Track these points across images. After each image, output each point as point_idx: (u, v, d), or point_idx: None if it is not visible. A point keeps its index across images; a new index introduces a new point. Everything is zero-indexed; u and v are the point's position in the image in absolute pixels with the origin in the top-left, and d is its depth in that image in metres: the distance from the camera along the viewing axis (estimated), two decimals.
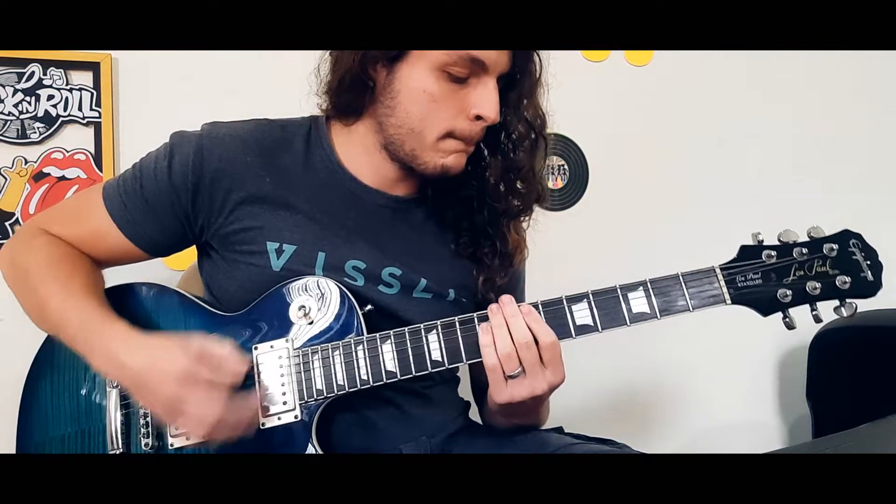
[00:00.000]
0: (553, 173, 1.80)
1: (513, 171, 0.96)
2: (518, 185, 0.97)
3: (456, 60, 0.84)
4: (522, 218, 1.00)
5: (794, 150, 2.01)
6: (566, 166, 1.82)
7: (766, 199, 1.92)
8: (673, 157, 1.91)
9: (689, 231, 1.85)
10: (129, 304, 0.92)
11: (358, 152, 0.94)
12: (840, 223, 0.83)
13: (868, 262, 0.80)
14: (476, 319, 0.84)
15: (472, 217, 0.97)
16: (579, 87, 1.72)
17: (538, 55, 0.93)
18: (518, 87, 0.92)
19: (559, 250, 1.57)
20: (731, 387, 1.94)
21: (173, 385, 0.77)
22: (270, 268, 0.89)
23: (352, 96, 0.90)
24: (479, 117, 0.87)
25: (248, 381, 0.84)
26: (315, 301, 0.87)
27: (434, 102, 0.86)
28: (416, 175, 0.95)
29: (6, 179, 1.42)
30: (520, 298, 1.04)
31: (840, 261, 0.80)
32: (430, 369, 0.84)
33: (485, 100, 0.86)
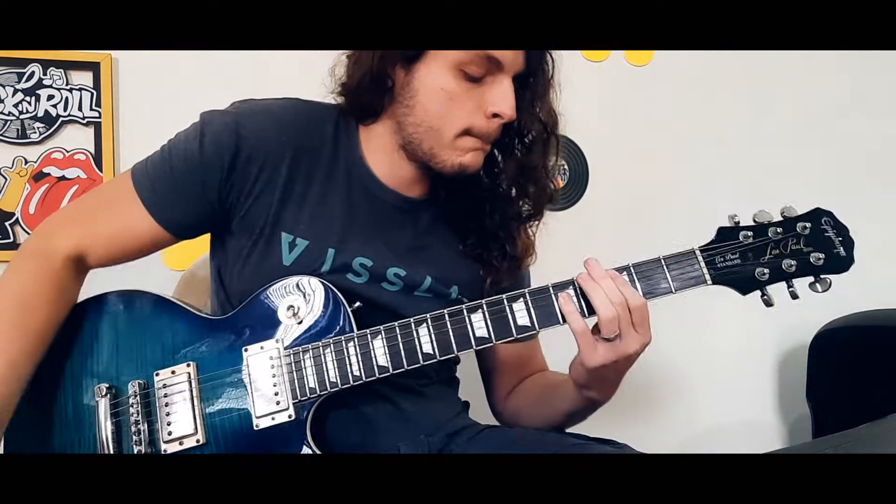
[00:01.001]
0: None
1: (526, 171, 0.96)
2: (531, 187, 0.97)
3: (472, 59, 0.85)
4: (533, 222, 1.01)
5: (794, 150, 2.01)
6: (566, 166, 1.82)
7: (765, 198, 1.91)
8: (673, 157, 1.91)
9: (689, 231, 1.83)
10: (115, 312, 0.90)
11: (376, 151, 0.95)
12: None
13: (840, 239, 0.83)
14: (465, 311, 0.84)
15: (483, 220, 0.98)
16: (579, 87, 1.71)
17: (551, 55, 0.94)
18: (531, 87, 0.93)
19: (559, 250, 1.56)
20: (731, 387, 1.94)
21: None
22: (281, 262, 0.89)
23: (372, 97, 0.91)
24: (496, 115, 0.88)
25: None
26: (303, 300, 0.87)
27: (451, 100, 0.87)
28: (430, 176, 0.95)
29: (6, 179, 1.42)
30: None
31: (813, 238, 0.83)
32: (421, 362, 0.84)
33: (500, 97, 0.87)
